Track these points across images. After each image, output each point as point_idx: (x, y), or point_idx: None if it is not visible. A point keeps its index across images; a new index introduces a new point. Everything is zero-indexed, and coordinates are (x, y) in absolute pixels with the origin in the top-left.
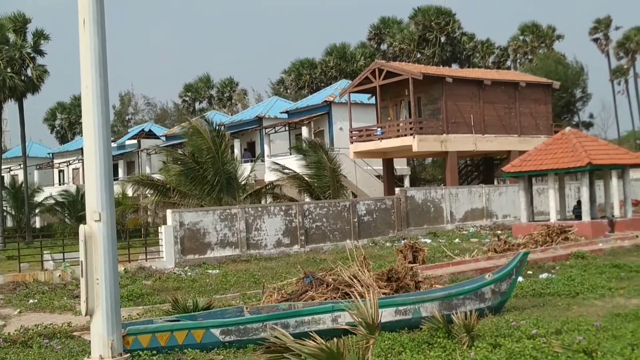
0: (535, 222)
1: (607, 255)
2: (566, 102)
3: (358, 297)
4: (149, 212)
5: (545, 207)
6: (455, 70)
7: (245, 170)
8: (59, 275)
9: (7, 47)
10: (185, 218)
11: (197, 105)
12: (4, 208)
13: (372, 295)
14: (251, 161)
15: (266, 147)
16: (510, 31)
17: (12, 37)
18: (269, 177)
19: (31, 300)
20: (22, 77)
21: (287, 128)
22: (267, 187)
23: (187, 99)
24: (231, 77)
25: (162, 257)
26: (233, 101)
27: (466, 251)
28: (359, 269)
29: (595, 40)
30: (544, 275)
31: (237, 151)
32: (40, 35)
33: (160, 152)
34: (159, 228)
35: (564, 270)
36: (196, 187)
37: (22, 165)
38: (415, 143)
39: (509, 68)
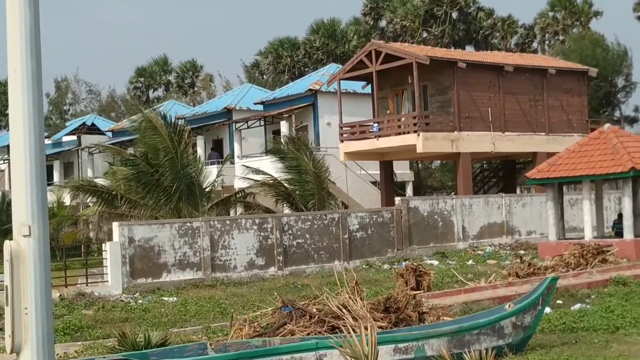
0: (567, 240)
1: None
2: (605, 92)
3: (351, 332)
4: (90, 225)
5: (578, 222)
6: (469, 54)
7: (210, 174)
8: None
9: None
10: (135, 233)
11: (152, 94)
12: None
13: (368, 329)
14: (218, 163)
15: (236, 146)
16: (537, 6)
17: None
18: (240, 183)
19: None
20: None
21: (262, 123)
22: (238, 195)
23: (139, 85)
24: (193, 60)
25: (107, 281)
26: (196, 89)
27: (482, 275)
28: (350, 297)
29: None
30: (577, 306)
31: (200, 150)
32: None
33: (105, 151)
34: (103, 245)
35: (601, 300)
36: (150, 194)
37: None
38: (420, 142)
39: (535, 51)
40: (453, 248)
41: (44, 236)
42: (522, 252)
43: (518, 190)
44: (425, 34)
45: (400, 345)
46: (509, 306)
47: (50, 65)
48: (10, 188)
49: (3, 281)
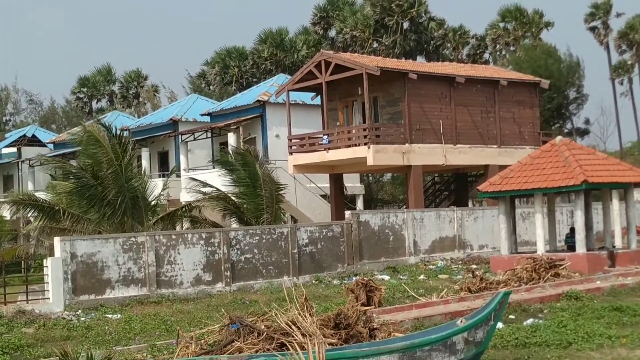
0: (519, 254)
1: (607, 296)
2: (557, 104)
3: (298, 349)
4: (31, 240)
5: (531, 236)
6: (420, 64)
7: (156, 187)
8: None
9: None
10: (78, 248)
11: (95, 104)
12: None
13: (316, 346)
14: (163, 176)
15: (182, 159)
16: (488, 17)
17: None
18: (186, 196)
19: None
20: None
21: (209, 134)
22: (184, 209)
23: (81, 96)
24: (138, 70)
25: (48, 298)
26: (140, 100)
27: (433, 290)
28: (299, 313)
29: (593, 29)
30: (530, 321)
31: (145, 163)
32: None
33: (46, 163)
34: (44, 261)
35: (553, 315)
36: (93, 208)
37: None
38: (370, 155)
39: (487, 62)
40: (404, 262)
41: None
42: (474, 266)
43: (470, 204)
44: (375, 44)
45: None
46: (461, 321)
47: None
48: None
49: None
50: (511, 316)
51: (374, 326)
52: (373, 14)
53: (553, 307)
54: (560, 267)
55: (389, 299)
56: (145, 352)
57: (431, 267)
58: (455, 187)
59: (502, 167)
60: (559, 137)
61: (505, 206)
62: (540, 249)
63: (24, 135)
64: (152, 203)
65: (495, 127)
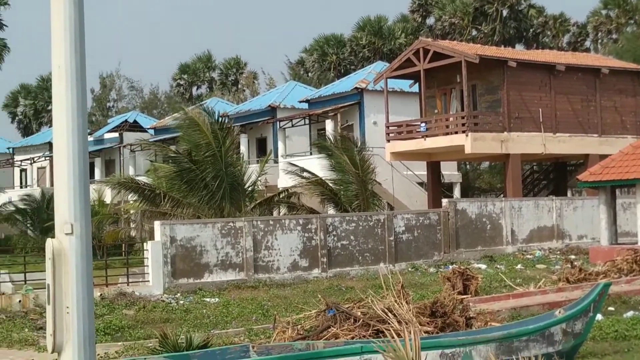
0: (619, 245)
1: None
2: None
3: (394, 336)
4: (132, 224)
5: (632, 227)
6: (520, 52)
7: (254, 173)
8: (19, 301)
9: None
10: (177, 232)
11: (195, 91)
12: None
13: (412, 333)
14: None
15: (280, 145)
16: (590, 4)
17: None
18: (284, 182)
19: None
20: None
21: (307, 121)
22: (281, 195)
23: (182, 82)
24: (237, 57)
25: (148, 281)
26: (240, 86)
27: (531, 280)
28: (396, 301)
29: None
30: (630, 313)
31: (244, 149)
32: None
33: (147, 148)
34: (145, 244)
35: None
36: (192, 193)
37: None
38: (468, 143)
39: (588, 50)
40: (501, 252)
41: (86, 234)
42: (573, 256)
43: (569, 193)
44: (474, 32)
45: (447, 351)
46: (560, 312)
47: (90, 61)
48: (50, 185)
49: (45, 279)
50: (610, 308)
51: (471, 315)
52: (472, 1)
53: None
54: None
55: (486, 288)
56: (242, 336)
57: (529, 256)
58: (554, 176)
59: (602, 157)
60: None
61: (605, 196)
62: None
63: (126, 120)
64: (250, 189)
65: (596, 116)
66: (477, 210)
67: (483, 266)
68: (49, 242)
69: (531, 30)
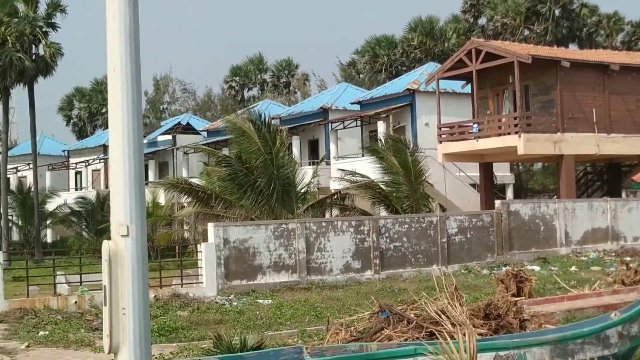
0: None
1: None
2: None
3: (448, 338)
4: (185, 226)
5: None
6: (573, 52)
7: (306, 175)
8: (75, 302)
9: (15, 19)
10: (231, 234)
11: (247, 93)
12: (10, 217)
13: (467, 335)
14: (313, 164)
15: (332, 147)
16: None
17: (21, 7)
18: (336, 184)
19: (41, 332)
20: (33, 57)
21: (359, 123)
22: (333, 197)
23: (234, 84)
24: (289, 58)
25: (202, 283)
26: (291, 88)
27: (585, 282)
28: (449, 303)
29: None
30: None
31: (295, 151)
32: (55, 6)
33: (200, 150)
34: (198, 246)
35: None
36: (245, 195)
37: (31, 165)
38: (521, 144)
39: None
40: (555, 253)
41: (141, 236)
42: (629, 258)
43: (623, 194)
44: (526, 32)
45: (501, 353)
46: (615, 315)
47: (143, 63)
48: (105, 187)
49: (101, 281)
50: None
51: (525, 317)
52: (524, 1)
53: None
54: None
55: (540, 290)
56: (295, 338)
57: (583, 258)
58: (608, 177)
59: None
60: None
61: None
62: None
63: (179, 123)
64: (302, 191)
65: None
66: (531, 211)
67: (536, 268)
68: (105, 243)
69: (584, 29)
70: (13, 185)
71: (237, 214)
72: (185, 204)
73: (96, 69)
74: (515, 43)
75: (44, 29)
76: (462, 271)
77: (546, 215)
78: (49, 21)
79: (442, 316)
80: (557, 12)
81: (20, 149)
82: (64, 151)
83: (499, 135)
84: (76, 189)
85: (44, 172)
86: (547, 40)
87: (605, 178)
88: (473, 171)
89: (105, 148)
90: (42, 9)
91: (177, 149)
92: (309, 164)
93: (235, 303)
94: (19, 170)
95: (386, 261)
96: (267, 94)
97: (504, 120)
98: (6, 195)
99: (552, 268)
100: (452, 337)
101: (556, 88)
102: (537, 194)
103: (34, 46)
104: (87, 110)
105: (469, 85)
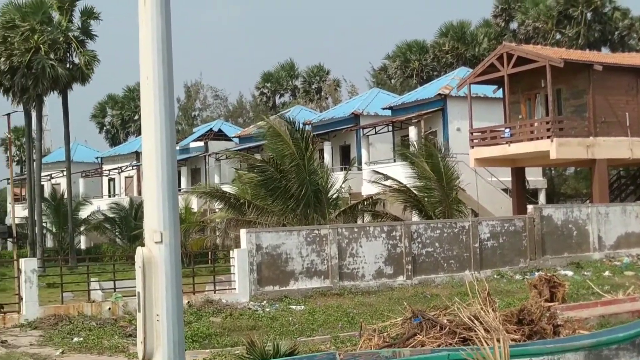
0: None
1: None
2: None
3: (485, 343)
4: (217, 232)
5: None
6: (605, 56)
7: (337, 181)
8: (109, 309)
9: (49, 28)
10: (263, 240)
11: (278, 99)
12: (44, 224)
13: (501, 341)
14: (345, 169)
15: (364, 152)
16: None
17: (56, 16)
18: (368, 189)
19: (76, 339)
20: (68, 65)
21: (390, 128)
22: (365, 203)
23: (265, 91)
24: (320, 64)
25: (234, 289)
26: (322, 94)
27: (619, 287)
28: (482, 308)
29: None
30: None
31: (327, 156)
32: (89, 14)
33: (232, 157)
34: (231, 252)
35: None
36: (277, 201)
37: (65, 172)
38: (553, 148)
39: None
40: (588, 258)
41: (175, 243)
42: None
43: None
44: (558, 36)
45: (535, 359)
46: None
47: (175, 70)
48: (138, 194)
49: (135, 287)
50: None
51: (558, 323)
52: (556, 4)
53: None
54: None
55: (573, 295)
56: (328, 344)
57: (616, 263)
58: None
59: None
60: None
61: None
62: None
63: (211, 129)
64: (334, 196)
65: None
66: (563, 216)
67: (570, 273)
68: (139, 250)
69: (616, 33)
70: (47, 192)
71: (269, 219)
72: (218, 210)
73: (128, 76)
74: (547, 47)
75: (79, 38)
76: (495, 276)
77: (579, 219)
78: (86, 29)
79: (475, 322)
80: (589, 16)
81: (54, 156)
82: (96, 158)
83: (531, 139)
84: (109, 196)
85: (77, 179)
86: (579, 44)
87: (638, 182)
88: (505, 176)
89: (137, 155)
90: (77, 17)
91: (209, 155)
92: (341, 170)
93: (267, 309)
94: (52, 178)
95: (418, 267)
96: (299, 100)
97: (536, 124)
98: (40, 202)
99: (585, 273)
100: (485, 343)
101: (589, 92)
102: (569, 199)
103: (68, 54)
104: (120, 117)
105: (501, 89)
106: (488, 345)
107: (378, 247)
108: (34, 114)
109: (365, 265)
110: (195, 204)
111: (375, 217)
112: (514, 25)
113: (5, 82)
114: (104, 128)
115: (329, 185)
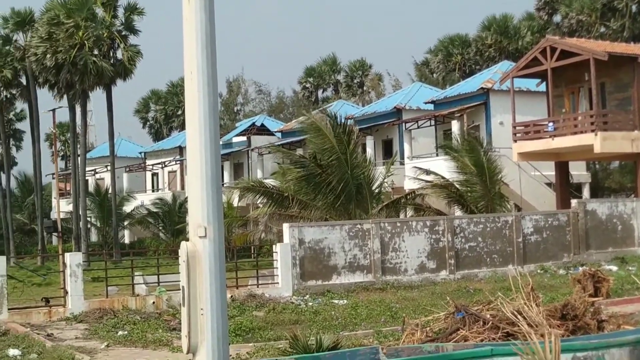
0: None
1: None
2: None
3: (528, 338)
4: (260, 226)
5: None
6: None
7: (379, 175)
8: (153, 302)
9: (93, 24)
10: (305, 234)
11: (320, 94)
12: (88, 219)
13: (552, 336)
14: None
15: (406, 146)
16: None
17: (100, 12)
18: (410, 184)
19: (120, 332)
20: (111, 60)
21: (432, 122)
22: (408, 197)
23: (308, 85)
24: (363, 59)
25: (277, 283)
26: (365, 88)
27: None
28: (525, 303)
29: None
30: None
31: (370, 151)
32: (132, 10)
33: (274, 151)
34: (273, 246)
35: None
36: (319, 196)
37: (109, 168)
38: (597, 142)
39: None
40: (633, 253)
41: (219, 237)
42: None
43: None
44: (602, 29)
45: (579, 355)
46: None
47: (218, 65)
48: (181, 189)
49: (179, 281)
50: None
51: (602, 318)
52: None
53: None
54: None
55: (617, 290)
56: (371, 338)
57: None
58: None
59: None
60: None
61: None
62: None
63: (254, 124)
64: (377, 191)
65: None
66: (608, 210)
67: (614, 268)
68: (183, 245)
69: None
70: (91, 187)
71: (311, 214)
72: (260, 205)
73: (171, 71)
74: (591, 40)
75: (123, 33)
76: (538, 271)
77: (624, 214)
78: (129, 25)
79: (518, 317)
80: (634, 8)
81: (98, 151)
82: (140, 153)
83: (575, 133)
84: (153, 191)
85: (121, 174)
86: (623, 37)
87: None
88: (548, 170)
89: (180, 150)
90: (120, 12)
91: (252, 150)
92: (383, 164)
93: (310, 303)
94: (97, 173)
95: (461, 261)
96: (341, 94)
97: (579, 118)
98: (85, 197)
99: (630, 268)
100: (529, 338)
101: (633, 85)
102: (614, 193)
103: (112, 50)
104: (163, 113)
105: (544, 83)
106: (533, 340)
107: (421, 242)
108: (78, 110)
109: (407, 259)
110: (237, 198)
111: (417, 211)
112: (557, 18)
113: (51, 78)
114: (148, 123)
115: (372, 180)
